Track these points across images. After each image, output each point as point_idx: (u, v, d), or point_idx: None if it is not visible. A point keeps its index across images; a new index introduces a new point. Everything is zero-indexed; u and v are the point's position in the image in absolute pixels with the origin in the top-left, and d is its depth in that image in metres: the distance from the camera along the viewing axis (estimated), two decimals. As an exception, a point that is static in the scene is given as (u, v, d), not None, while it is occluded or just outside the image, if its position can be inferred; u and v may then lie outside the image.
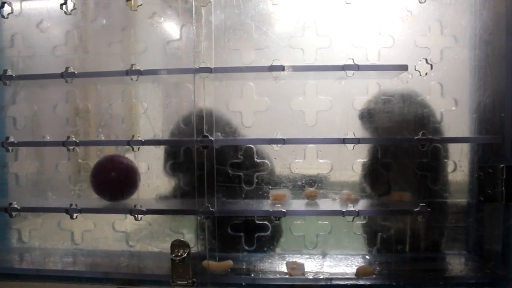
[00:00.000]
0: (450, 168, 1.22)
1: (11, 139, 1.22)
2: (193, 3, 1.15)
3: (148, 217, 1.20)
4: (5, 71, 1.19)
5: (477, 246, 1.23)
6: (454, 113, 1.20)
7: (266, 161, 1.24)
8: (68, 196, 1.34)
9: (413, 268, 1.20)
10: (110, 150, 1.32)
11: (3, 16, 1.24)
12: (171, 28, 1.26)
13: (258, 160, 1.24)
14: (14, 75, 1.19)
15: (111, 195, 1.25)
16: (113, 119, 1.28)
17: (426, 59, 1.15)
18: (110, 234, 1.33)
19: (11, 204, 1.21)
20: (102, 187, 1.25)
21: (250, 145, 1.24)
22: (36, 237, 1.37)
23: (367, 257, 1.25)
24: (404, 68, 1.12)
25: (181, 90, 1.27)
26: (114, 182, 1.24)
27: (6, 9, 1.24)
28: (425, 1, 1.14)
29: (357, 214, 1.12)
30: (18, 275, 1.22)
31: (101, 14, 1.27)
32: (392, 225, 1.25)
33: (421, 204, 1.12)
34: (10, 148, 1.22)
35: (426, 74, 1.15)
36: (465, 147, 1.22)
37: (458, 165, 1.22)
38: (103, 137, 1.27)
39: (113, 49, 1.27)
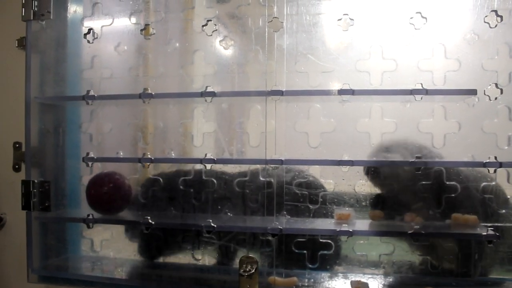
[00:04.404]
0: (517, 192, 1.21)
1: (91, 155, 1.31)
2: (266, 29, 1.20)
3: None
4: (88, 91, 1.28)
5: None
6: (523, 136, 1.20)
7: (331, 180, 1.27)
8: (137, 210, 1.40)
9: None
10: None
11: (88, 41, 1.33)
12: (242, 51, 1.31)
13: (323, 180, 1.27)
14: (96, 95, 1.27)
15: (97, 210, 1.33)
16: (185, 138, 1.34)
17: (496, 84, 1.15)
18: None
19: (88, 215, 1.29)
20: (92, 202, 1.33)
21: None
22: (107, 247, 1.44)
23: (431, 278, 1.25)
24: (473, 92, 1.13)
25: (250, 111, 1.32)
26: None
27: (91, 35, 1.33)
28: (496, 25, 1.15)
29: (422, 235, 1.13)
30: (92, 282, 1.30)
31: (174, 38, 1.34)
32: (456, 248, 1.24)
33: (490, 229, 1.12)
34: (89, 163, 1.31)
35: (496, 98, 1.16)
36: (533, 171, 1.21)
37: (526, 189, 1.21)
38: (173, 155, 1.33)
39: (185, 71, 1.34)
